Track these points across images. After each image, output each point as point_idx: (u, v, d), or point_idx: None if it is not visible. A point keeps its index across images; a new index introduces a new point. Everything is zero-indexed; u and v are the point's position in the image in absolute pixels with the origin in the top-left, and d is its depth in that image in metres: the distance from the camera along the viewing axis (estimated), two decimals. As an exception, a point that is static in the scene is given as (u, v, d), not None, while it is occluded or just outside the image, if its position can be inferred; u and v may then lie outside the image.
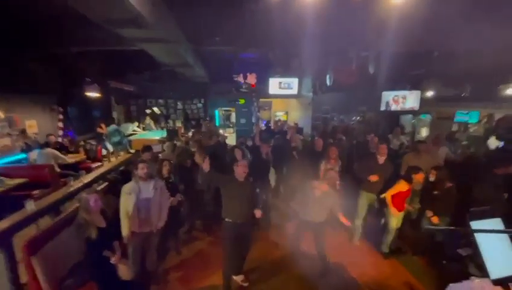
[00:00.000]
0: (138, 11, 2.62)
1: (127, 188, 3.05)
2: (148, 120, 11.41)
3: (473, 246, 1.16)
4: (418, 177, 3.54)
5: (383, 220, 4.06)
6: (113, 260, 2.50)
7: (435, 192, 3.64)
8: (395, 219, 3.79)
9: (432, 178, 3.66)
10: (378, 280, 3.58)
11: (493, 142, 6.05)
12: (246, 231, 3.20)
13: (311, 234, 3.48)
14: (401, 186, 3.63)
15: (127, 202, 3.00)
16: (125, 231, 3.05)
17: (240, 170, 3.07)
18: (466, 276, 1.62)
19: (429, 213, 3.59)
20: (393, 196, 3.69)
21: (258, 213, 3.05)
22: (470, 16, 4.59)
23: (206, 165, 3.05)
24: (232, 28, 4.87)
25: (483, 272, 1.20)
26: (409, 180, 3.59)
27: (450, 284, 1.90)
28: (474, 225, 1.18)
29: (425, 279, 3.48)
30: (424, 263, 3.82)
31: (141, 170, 3.05)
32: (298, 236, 3.64)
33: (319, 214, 3.32)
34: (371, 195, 4.15)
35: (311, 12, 4.02)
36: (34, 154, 5.87)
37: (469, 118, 8.38)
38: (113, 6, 2.52)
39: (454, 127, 8.75)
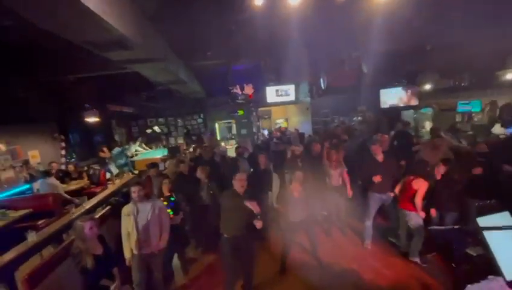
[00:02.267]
0: (121, 33, 2.65)
1: (126, 209, 3.03)
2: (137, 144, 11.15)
3: (483, 245, 1.06)
4: (440, 169, 3.50)
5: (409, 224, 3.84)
6: (112, 289, 2.42)
7: (441, 186, 3.51)
8: (419, 219, 3.55)
9: (441, 172, 3.53)
10: (395, 282, 3.43)
11: (498, 130, 5.92)
12: (246, 245, 3.12)
13: (298, 233, 3.64)
14: (423, 185, 3.45)
15: (127, 224, 2.98)
16: (127, 253, 3.00)
17: (238, 184, 3.03)
18: (482, 276, 1.51)
19: (432, 212, 3.50)
20: (412, 196, 3.52)
21: (258, 224, 2.96)
22: (460, 6, 4.56)
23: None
24: (222, 41, 4.92)
25: (497, 273, 1.10)
26: (426, 176, 3.50)
27: (468, 286, 1.78)
28: (482, 221, 1.09)
29: (443, 280, 3.30)
30: (440, 263, 3.64)
31: (133, 193, 3.01)
32: (290, 238, 3.66)
33: (301, 213, 3.50)
34: (380, 195, 4.03)
35: (298, 19, 4.05)
36: (37, 184, 5.90)
37: (472, 107, 8.24)
38: (95, 29, 2.56)
39: (458, 118, 8.61)
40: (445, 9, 4.66)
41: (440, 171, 3.54)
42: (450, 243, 3.17)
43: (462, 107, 8.54)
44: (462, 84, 8.04)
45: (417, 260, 3.70)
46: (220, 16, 4.22)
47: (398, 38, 5.08)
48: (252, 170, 4.92)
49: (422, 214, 3.52)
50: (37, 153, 7.24)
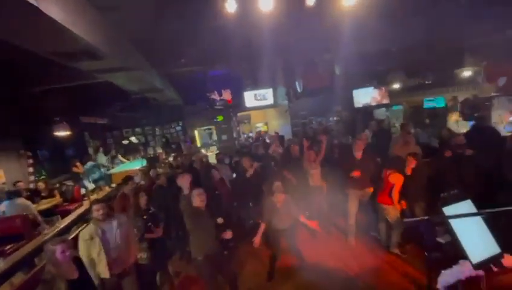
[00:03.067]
0: (88, 42, 2.54)
1: (86, 233, 2.77)
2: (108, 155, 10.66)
3: (450, 232, 1.15)
4: (411, 162, 3.69)
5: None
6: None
7: (410, 179, 3.71)
8: (396, 211, 3.73)
9: (411, 165, 3.73)
10: (380, 275, 3.57)
11: (453, 120, 6.44)
12: (222, 260, 3.09)
13: (283, 239, 3.62)
14: (399, 179, 3.62)
15: (88, 249, 2.72)
16: (96, 280, 2.77)
17: (198, 199, 2.90)
18: (452, 261, 1.61)
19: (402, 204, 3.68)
20: (389, 190, 3.68)
21: (228, 234, 2.95)
22: (420, 10, 4.91)
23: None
24: (196, 48, 4.90)
25: (465, 258, 1.18)
26: (401, 170, 3.69)
27: (442, 271, 1.89)
28: (447, 210, 1.17)
29: (421, 268, 3.46)
30: (418, 252, 3.83)
31: (96, 212, 2.80)
32: (277, 245, 3.67)
33: (284, 221, 3.50)
34: (359, 191, 4.18)
35: (270, 24, 4.14)
36: (2, 207, 5.45)
37: (436, 103, 8.83)
38: (59, 39, 2.44)
39: (425, 114, 9.18)
40: (408, 13, 4.99)
41: (410, 165, 3.75)
42: (421, 233, 3.33)
43: (427, 103, 9.13)
44: (427, 82, 8.60)
45: (397, 251, 3.87)
46: (193, 23, 4.20)
47: (366, 41, 5.35)
48: (234, 175, 4.91)
49: (399, 207, 3.70)
50: (1, 172, 6.72)
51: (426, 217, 1.24)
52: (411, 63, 7.54)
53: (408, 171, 3.77)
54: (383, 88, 9.46)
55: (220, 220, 2.95)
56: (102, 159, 9.88)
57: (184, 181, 3.63)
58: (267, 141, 8.50)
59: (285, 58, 5.44)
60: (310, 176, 4.55)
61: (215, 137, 12.15)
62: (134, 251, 3.08)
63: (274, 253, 3.71)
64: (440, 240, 2.67)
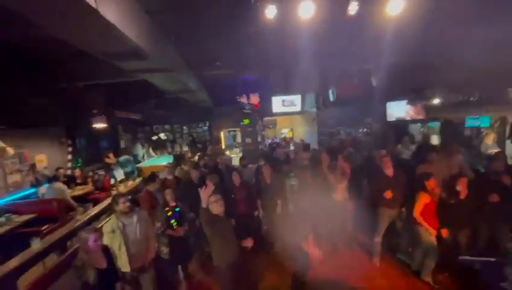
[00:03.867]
0: (136, 44, 2.67)
1: (109, 226, 2.85)
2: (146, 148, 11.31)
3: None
4: (430, 184, 3.42)
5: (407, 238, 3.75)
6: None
7: (451, 201, 3.42)
8: (432, 237, 3.47)
9: (460, 186, 3.38)
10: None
11: (490, 140, 5.86)
12: (246, 269, 3.04)
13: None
14: (423, 198, 3.45)
15: (111, 242, 2.79)
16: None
17: (215, 206, 2.81)
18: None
19: (445, 232, 3.39)
20: (422, 212, 3.47)
21: (248, 242, 2.87)
22: (470, 21, 4.55)
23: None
24: (232, 52, 4.97)
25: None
26: (423, 188, 3.47)
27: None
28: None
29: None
30: (456, 286, 3.49)
31: (122, 204, 2.85)
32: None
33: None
34: (392, 211, 3.94)
35: (309, 31, 4.06)
36: (43, 189, 5.90)
37: (481, 122, 8.12)
38: (111, 41, 2.58)
39: (467, 132, 8.49)
40: (456, 24, 4.65)
41: (461, 187, 3.41)
42: (479, 274, 3.02)
43: (470, 122, 8.43)
44: (471, 99, 7.95)
45: (429, 279, 3.57)
46: (231, 28, 4.26)
47: (408, 52, 5.07)
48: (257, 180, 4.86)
49: (432, 231, 3.43)
50: (44, 157, 7.29)
51: (493, 259, 1.09)
52: (455, 77, 7.02)
53: (463, 194, 3.42)
54: (420, 102, 8.93)
55: (249, 243, 2.86)
56: (139, 150, 10.50)
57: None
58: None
59: (321, 65, 5.32)
60: (334, 190, 4.36)
61: (239, 139, 12.25)
62: (153, 247, 3.12)
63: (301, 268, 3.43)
64: (505, 286, 2.30)
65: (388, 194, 3.75)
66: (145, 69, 3.79)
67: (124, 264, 2.82)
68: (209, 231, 2.83)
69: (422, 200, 3.45)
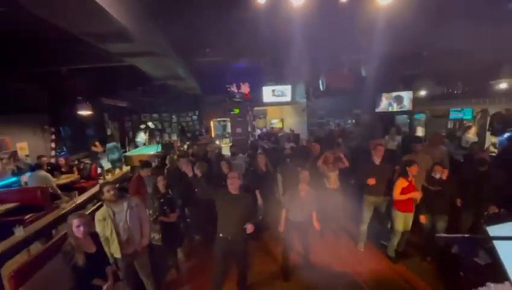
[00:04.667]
0: (121, 25, 2.56)
1: (100, 214, 2.85)
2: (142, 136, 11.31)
3: (492, 254, 1.06)
4: (412, 170, 3.57)
5: (389, 224, 3.96)
6: (105, 289, 2.34)
7: (434, 188, 3.56)
8: (400, 220, 3.71)
9: (437, 174, 3.55)
10: (387, 286, 3.46)
11: (472, 133, 6.13)
12: (238, 249, 3.08)
13: (297, 233, 3.63)
14: (401, 182, 3.63)
15: (103, 229, 2.81)
16: (110, 259, 2.85)
17: (230, 183, 3.00)
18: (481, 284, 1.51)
19: (423, 219, 3.59)
20: (399, 195, 3.65)
21: (249, 228, 2.93)
22: (458, 15, 4.63)
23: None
24: (222, 38, 4.86)
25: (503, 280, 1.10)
26: (404, 174, 3.64)
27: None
28: (491, 230, 1.09)
29: (436, 284, 3.35)
30: (433, 267, 3.70)
31: (107, 193, 2.82)
32: (290, 237, 3.64)
33: (301, 214, 3.51)
34: (375, 198, 4.07)
35: (299, 18, 4.01)
36: (25, 177, 5.72)
37: (463, 114, 8.41)
38: (95, 20, 2.47)
39: (450, 125, 8.79)
40: (445, 17, 4.72)
41: (438, 174, 3.57)
42: (456, 253, 3.21)
43: (454, 114, 8.72)
44: (456, 92, 8.19)
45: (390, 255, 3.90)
46: (221, 14, 4.16)
47: (398, 43, 5.11)
48: (251, 169, 4.90)
49: (399, 212, 3.68)
50: (26, 145, 7.02)
51: (467, 235, 1.16)
52: (441, 69, 7.18)
53: (439, 182, 3.59)
54: (408, 94, 9.13)
55: (250, 228, 2.93)
56: (141, 136, 10.34)
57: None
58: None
59: (311, 54, 5.30)
60: (326, 178, 4.46)
61: (229, 130, 12.19)
62: (147, 233, 3.13)
63: (285, 250, 3.66)
64: (479, 261, 2.48)
65: (371, 181, 3.88)
66: (131, 52, 3.67)
67: (115, 250, 2.85)
68: (217, 202, 3.06)
69: (400, 184, 3.64)
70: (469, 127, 7.55)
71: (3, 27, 4.17)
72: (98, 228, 2.81)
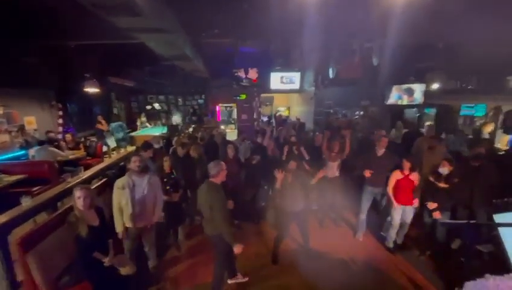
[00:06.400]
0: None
1: (120, 182, 2.97)
2: (143, 118, 11.33)
3: (496, 241, 1.05)
4: (406, 163, 3.59)
5: (389, 218, 3.96)
6: (105, 263, 2.42)
7: (442, 185, 3.50)
8: (397, 213, 3.72)
9: (445, 170, 3.48)
10: (383, 276, 3.50)
11: (487, 130, 5.97)
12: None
13: (295, 224, 3.66)
14: (396, 174, 3.67)
15: (119, 197, 2.93)
16: (118, 226, 2.99)
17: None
18: (493, 273, 1.51)
19: (432, 205, 3.46)
20: (395, 188, 3.69)
21: (230, 204, 2.98)
22: (476, 7, 4.41)
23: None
24: (231, 19, 4.74)
25: (506, 270, 1.09)
26: (399, 167, 3.66)
27: (466, 283, 1.79)
28: (497, 218, 1.07)
29: (433, 277, 3.39)
30: (431, 260, 3.72)
31: (133, 163, 2.96)
32: (285, 228, 3.67)
33: (295, 203, 3.47)
34: (375, 189, 4.06)
35: (312, 2, 3.88)
36: (32, 151, 5.82)
37: (475, 111, 8.18)
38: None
39: (460, 121, 8.57)
40: (464, 8, 4.50)
41: (444, 170, 3.51)
42: (462, 240, 3.24)
43: (465, 110, 8.48)
44: (469, 87, 7.93)
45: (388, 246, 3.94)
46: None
47: (413, 33, 4.91)
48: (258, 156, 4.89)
49: (396, 204, 3.69)
50: (34, 119, 7.12)
51: (472, 221, 1.14)
52: (455, 63, 6.93)
53: (443, 178, 3.54)
54: (419, 87, 8.88)
55: (230, 205, 2.97)
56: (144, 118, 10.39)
57: None
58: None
59: (323, 40, 5.14)
60: (328, 167, 4.43)
61: (235, 116, 12.13)
62: (159, 210, 3.22)
63: (279, 235, 3.72)
64: (481, 248, 2.49)
65: (367, 173, 3.90)
66: (139, 28, 3.61)
67: (127, 220, 2.98)
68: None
69: (395, 176, 3.68)
70: (486, 123, 7.29)
71: (15, 1, 4.14)
72: (115, 195, 2.94)
